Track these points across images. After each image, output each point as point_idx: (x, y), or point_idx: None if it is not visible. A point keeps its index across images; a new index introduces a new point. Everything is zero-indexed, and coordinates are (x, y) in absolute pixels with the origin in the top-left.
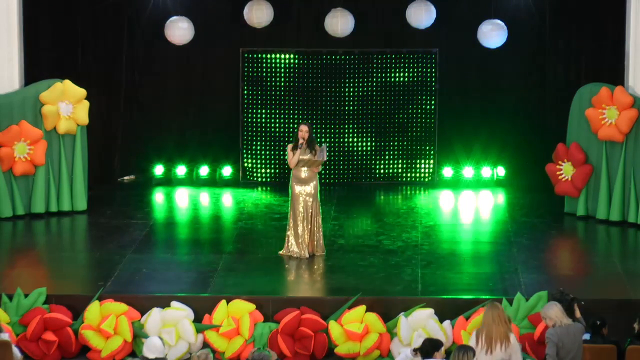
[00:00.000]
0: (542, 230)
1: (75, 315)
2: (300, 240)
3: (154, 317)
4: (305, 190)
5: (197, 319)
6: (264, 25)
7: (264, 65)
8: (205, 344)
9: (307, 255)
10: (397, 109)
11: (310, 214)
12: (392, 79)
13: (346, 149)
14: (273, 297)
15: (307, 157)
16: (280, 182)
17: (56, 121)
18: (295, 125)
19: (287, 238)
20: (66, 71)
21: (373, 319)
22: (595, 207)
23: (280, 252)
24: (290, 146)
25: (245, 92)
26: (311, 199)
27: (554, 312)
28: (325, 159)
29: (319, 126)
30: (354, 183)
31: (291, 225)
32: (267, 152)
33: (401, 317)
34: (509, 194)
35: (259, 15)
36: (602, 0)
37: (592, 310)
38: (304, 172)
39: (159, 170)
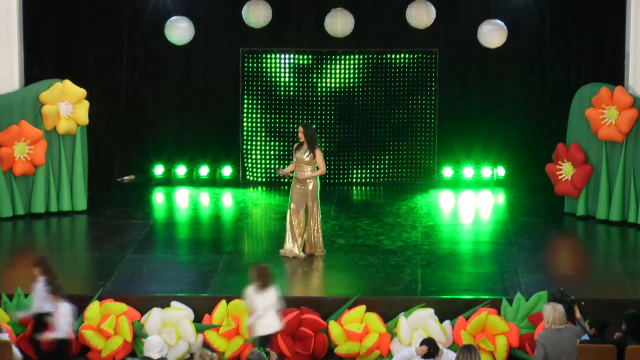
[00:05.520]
0: (542, 230)
1: (75, 315)
2: (297, 240)
3: (154, 317)
4: (303, 190)
5: (197, 319)
6: (262, 25)
7: (264, 65)
8: (205, 344)
9: (304, 255)
10: (397, 109)
11: (309, 214)
12: (392, 79)
13: (346, 148)
14: None
15: (307, 158)
16: (281, 182)
17: (56, 121)
18: (295, 125)
19: (285, 238)
20: (66, 71)
21: (373, 319)
22: (595, 207)
23: (280, 251)
24: (295, 146)
25: (245, 92)
26: (310, 199)
27: (546, 313)
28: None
29: (318, 126)
30: (354, 183)
31: (288, 225)
32: (267, 152)
33: (401, 317)
34: (509, 194)
35: (256, 15)
36: (602, 0)
37: (592, 310)
38: (303, 172)
39: (159, 170)
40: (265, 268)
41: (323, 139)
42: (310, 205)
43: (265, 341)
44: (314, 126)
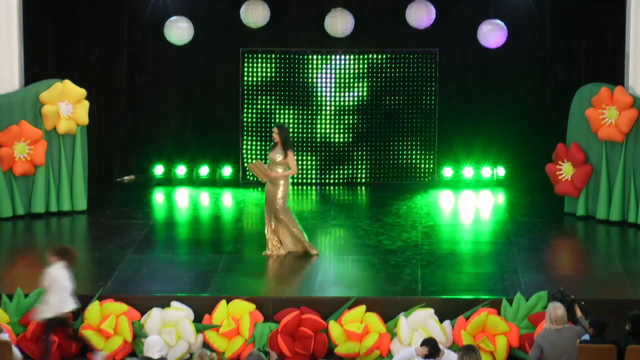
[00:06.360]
0: (542, 230)
1: (75, 315)
2: (271, 240)
3: (154, 317)
4: (273, 191)
5: (197, 319)
6: (260, 25)
7: (264, 65)
8: (205, 344)
9: (274, 254)
10: (397, 109)
11: (278, 215)
12: (392, 79)
13: (346, 148)
14: (273, 297)
15: (279, 159)
16: None
17: (56, 121)
18: (295, 125)
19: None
20: (66, 71)
21: (373, 319)
22: (595, 207)
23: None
24: (271, 146)
25: (245, 92)
26: (279, 200)
27: (547, 313)
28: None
29: (318, 126)
30: (353, 183)
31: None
32: (267, 152)
33: (401, 317)
34: (509, 194)
35: (254, 15)
36: (602, 0)
37: (592, 310)
38: (275, 173)
39: (159, 170)
40: (71, 249)
41: (322, 139)
42: (279, 206)
43: (58, 322)
44: (314, 126)
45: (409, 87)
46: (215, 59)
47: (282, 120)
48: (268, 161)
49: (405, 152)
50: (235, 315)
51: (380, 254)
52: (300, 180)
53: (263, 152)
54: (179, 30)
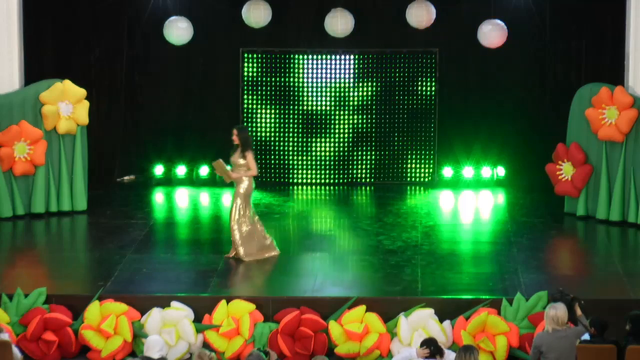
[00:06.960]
0: (542, 230)
1: (75, 315)
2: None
3: (154, 317)
4: (235, 191)
5: (197, 319)
6: (262, 25)
7: (264, 65)
8: (205, 344)
9: (231, 255)
10: (396, 109)
11: (240, 215)
12: (392, 79)
13: (346, 148)
14: (273, 297)
15: (240, 162)
16: (280, 182)
17: (56, 121)
18: (295, 125)
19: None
20: (66, 71)
21: (373, 319)
22: (595, 207)
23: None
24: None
25: (245, 92)
26: (240, 200)
27: (546, 314)
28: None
29: (318, 126)
30: (354, 183)
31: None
32: (267, 152)
33: (401, 317)
34: (509, 194)
35: (256, 15)
36: (602, 0)
37: (592, 310)
38: (236, 174)
39: (159, 170)
40: None
41: (323, 139)
42: (240, 207)
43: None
44: (313, 126)
45: (409, 87)
46: (215, 59)
47: (282, 120)
48: (231, 165)
49: (405, 152)
50: (235, 315)
51: (380, 254)
52: (300, 181)
53: (262, 152)
54: (178, 30)
